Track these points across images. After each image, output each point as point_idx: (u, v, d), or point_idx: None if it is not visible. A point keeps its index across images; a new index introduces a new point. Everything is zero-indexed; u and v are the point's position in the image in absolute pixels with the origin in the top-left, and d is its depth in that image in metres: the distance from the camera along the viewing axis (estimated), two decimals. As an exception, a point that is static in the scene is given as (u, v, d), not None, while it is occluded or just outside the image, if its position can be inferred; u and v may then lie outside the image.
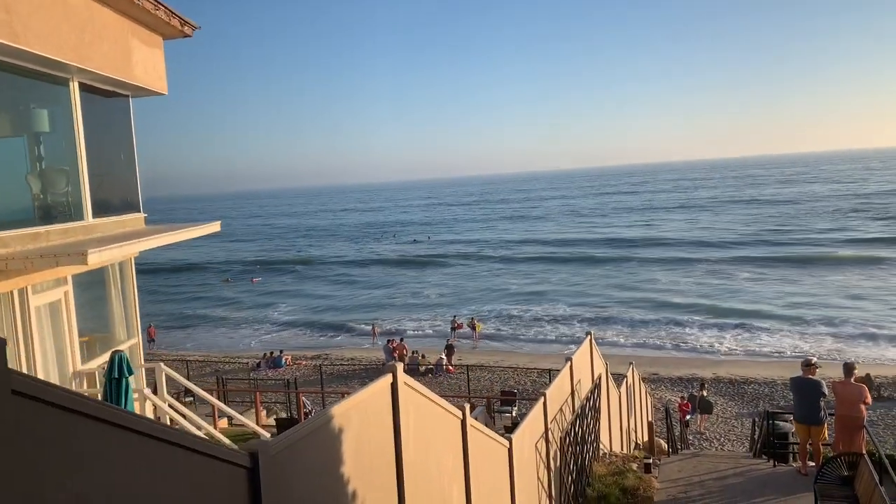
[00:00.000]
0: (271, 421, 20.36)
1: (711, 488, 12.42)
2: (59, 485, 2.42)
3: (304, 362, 37.43)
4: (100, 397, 9.34)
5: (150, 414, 11.01)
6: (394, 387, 4.92)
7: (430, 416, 5.74)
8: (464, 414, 6.35)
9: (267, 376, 34.28)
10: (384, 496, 4.87)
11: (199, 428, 10.89)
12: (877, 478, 9.79)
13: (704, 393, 27.37)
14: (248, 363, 37.95)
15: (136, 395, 10.19)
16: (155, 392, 11.68)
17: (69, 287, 10.43)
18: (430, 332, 45.78)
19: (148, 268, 78.66)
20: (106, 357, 10.33)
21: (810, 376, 12.22)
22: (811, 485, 10.94)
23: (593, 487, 11.59)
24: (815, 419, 12.15)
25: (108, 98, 11.62)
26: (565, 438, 10.23)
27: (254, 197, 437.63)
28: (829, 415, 12.57)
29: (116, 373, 8.76)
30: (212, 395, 21.34)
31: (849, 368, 12.13)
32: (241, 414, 20.38)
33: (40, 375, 9.41)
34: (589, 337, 13.50)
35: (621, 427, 16.44)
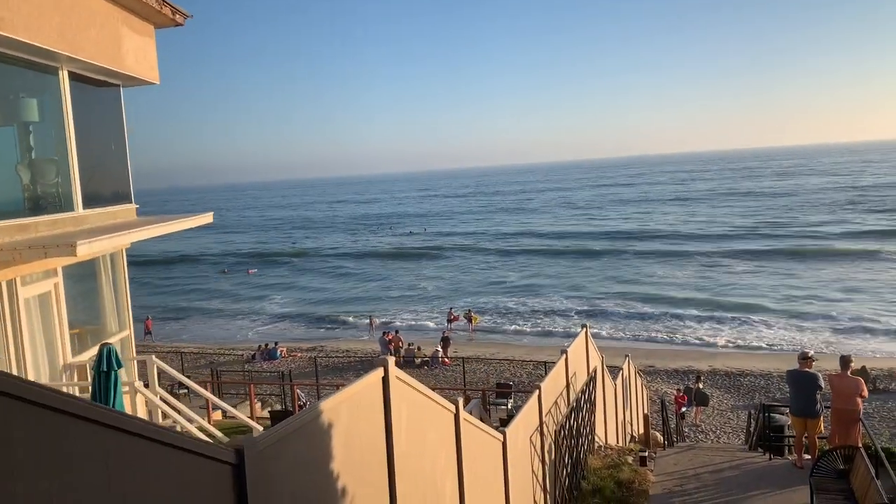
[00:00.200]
0: (266, 413, 20.30)
1: (707, 481, 12.38)
2: (35, 484, 2.33)
3: (299, 354, 37.35)
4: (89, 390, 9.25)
5: (141, 407, 10.92)
6: (385, 381, 4.83)
7: (423, 411, 5.65)
8: (457, 408, 6.27)
9: (262, 368, 34.20)
10: (375, 491, 4.79)
11: (191, 421, 10.80)
12: (873, 471, 9.75)
13: (700, 385, 27.36)
14: (243, 355, 37.87)
15: (126, 389, 10.09)
16: (147, 385, 11.58)
17: (59, 279, 10.31)
18: (427, 324, 45.73)
19: (143, 259, 78.48)
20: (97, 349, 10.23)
21: (807, 369, 12.18)
22: (807, 478, 10.90)
23: (588, 481, 11.54)
24: (811, 412, 12.11)
25: (98, 88, 11.48)
26: (560, 431, 10.16)
27: (248, 189, 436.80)
28: (826, 408, 12.54)
29: (105, 366, 8.65)
30: (206, 387, 21.29)
31: (845, 361, 12.08)
32: (236, 406, 20.35)
33: (30, 368, 9.32)
34: (584, 330, 13.42)
35: (617, 420, 16.40)
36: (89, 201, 10.80)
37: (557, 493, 10.08)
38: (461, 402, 6.35)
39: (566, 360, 11.27)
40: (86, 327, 11.56)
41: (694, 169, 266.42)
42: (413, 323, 46.03)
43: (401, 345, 35.97)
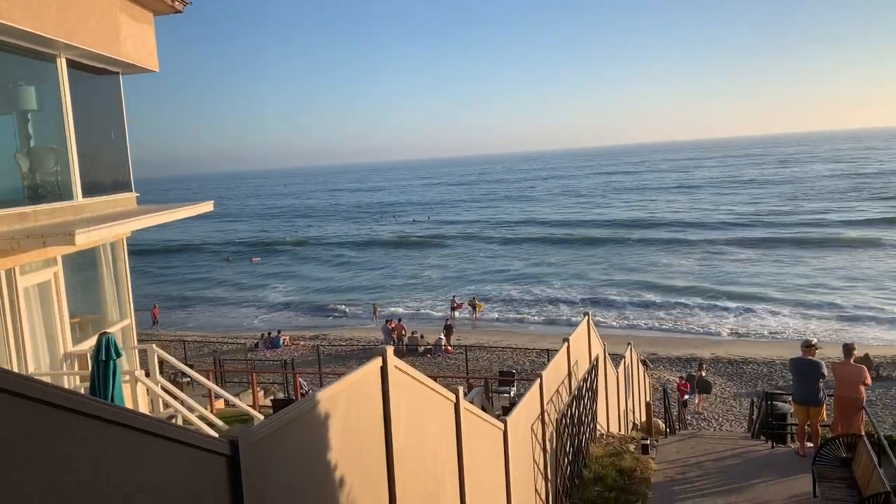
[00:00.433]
0: (268, 402, 20.34)
1: (709, 469, 12.36)
2: (24, 477, 2.29)
3: (302, 343, 37.41)
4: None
5: (142, 397, 10.91)
6: (384, 370, 4.79)
7: (423, 400, 5.61)
8: (457, 397, 6.23)
9: (265, 357, 34.26)
10: (373, 481, 4.76)
11: (192, 410, 10.78)
12: (875, 459, 9.72)
13: (703, 373, 27.35)
14: (246, 343, 37.95)
15: (126, 378, 10.07)
16: (148, 374, 11.56)
17: (59, 268, 10.28)
18: (430, 312, 45.74)
19: (146, 248, 78.57)
20: (98, 338, 10.21)
21: (810, 357, 12.13)
22: (809, 466, 10.88)
23: (590, 469, 11.53)
24: (813, 400, 12.07)
25: (97, 75, 11.40)
26: (562, 420, 10.14)
27: (250, 177, 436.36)
28: (829, 396, 12.50)
29: (104, 355, 8.63)
30: (209, 375, 21.33)
31: (848, 349, 12.03)
32: (239, 394, 20.40)
33: (30, 357, 9.30)
34: (586, 318, 13.38)
35: (619, 408, 16.39)
36: (89, 190, 10.75)
37: (559, 481, 10.06)
38: (461, 390, 6.32)
39: (568, 348, 11.23)
40: (86, 316, 11.54)
41: (696, 156, 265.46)
42: (416, 311, 46.04)
43: (404, 333, 35.99)
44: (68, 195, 10.29)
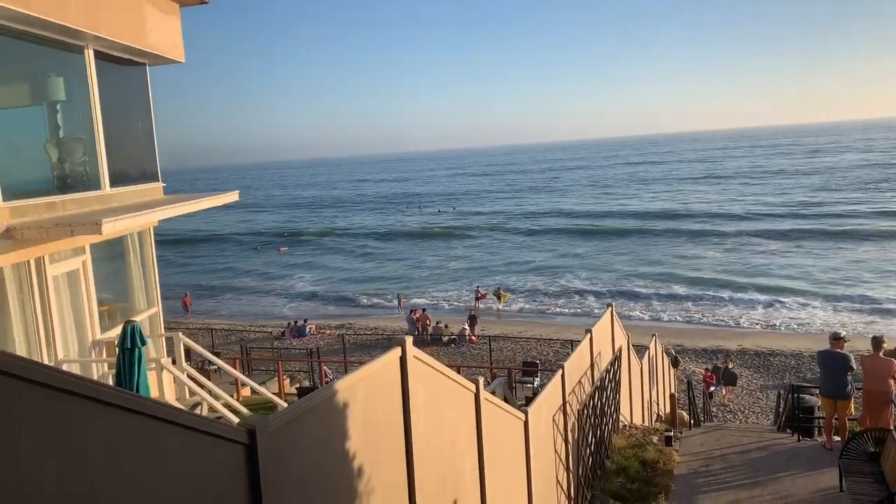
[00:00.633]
0: (294, 390, 20.52)
1: (734, 462, 12.25)
2: (38, 463, 2.33)
3: (327, 331, 37.66)
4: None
5: (168, 384, 11.07)
6: (403, 360, 4.80)
7: (442, 390, 5.62)
8: (477, 387, 6.23)
9: (291, 345, 34.55)
10: (392, 472, 4.78)
11: (217, 398, 10.91)
12: (904, 454, 9.57)
13: (730, 365, 27.08)
14: (272, 332, 38.29)
15: (152, 366, 10.22)
16: (175, 362, 11.72)
17: (87, 256, 10.44)
18: (455, 302, 45.76)
19: (174, 238, 79.50)
20: (126, 326, 10.36)
21: (838, 350, 11.95)
22: (836, 460, 10.74)
23: (612, 460, 11.49)
24: (841, 393, 11.90)
25: (124, 66, 11.53)
26: (584, 411, 10.11)
27: (278, 167, 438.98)
28: (857, 389, 12.31)
29: (129, 343, 8.76)
30: (235, 363, 21.57)
31: (877, 342, 11.83)
32: (265, 382, 20.60)
33: (59, 345, 9.47)
34: (610, 309, 13.30)
35: (643, 399, 16.30)
36: (116, 180, 10.89)
37: (581, 472, 10.04)
38: (482, 381, 6.31)
39: (591, 339, 11.19)
40: (114, 304, 11.72)
41: (725, 146, 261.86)
42: (441, 301, 46.09)
43: (428, 323, 36.08)
44: (96, 185, 10.44)
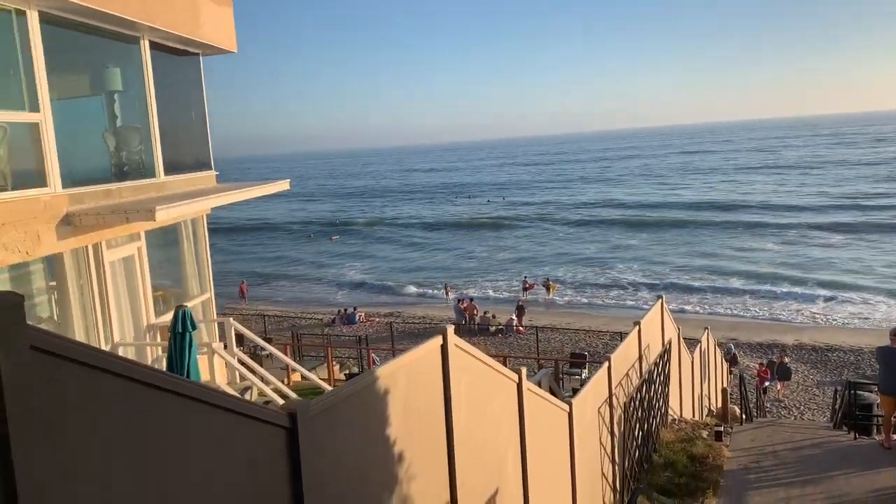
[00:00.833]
0: (343, 376, 20.78)
1: (786, 459, 11.96)
2: (81, 443, 2.40)
3: (377, 319, 38.02)
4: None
5: (220, 369, 11.31)
6: (444, 348, 4.80)
7: (484, 380, 5.61)
8: (520, 378, 6.20)
9: (341, 332, 34.99)
10: (433, 459, 4.79)
11: (267, 383, 11.12)
12: (968, 456, 9.20)
13: (786, 360, 26.42)
14: (323, 319, 38.83)
15: (203, 350, 10.46)
16: (226, 347, 11.97)
17: (142, 243, 10.72)
18: (503, 292, 45.64)
19: (228, 226, 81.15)
20: (179, 311, 10.62)
21: (898, 346, 11.53)
22: (895, 460, 10.39)
23: (660, 454, 11.34)
24: (901, 391, 11.48)
25: (178, 56, 11.77)
26: (630, 403, 9.99)
27: (329, 157, 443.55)
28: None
29: (180, 327, 8.98)
30: (286, 349, 21.94)
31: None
32: (315, 368, 20.90)
33: (115, 328, 9.76)
34: (660, 301, 13.09)
35: (693, 393, 16.02)
36: (170, 168, 11.15)
37: (627, 465, 9.94)
38: (524, 371, 6.28)
39: (639, 331, 11.04)
40: (168, 290, 12.02)
41: (783, 135, 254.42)
42: (489, 291, 46.04)
43: (475, 312, 36.08)
44: (151, 173, 10.71)
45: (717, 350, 21.71)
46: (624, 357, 10.08)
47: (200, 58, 12.41)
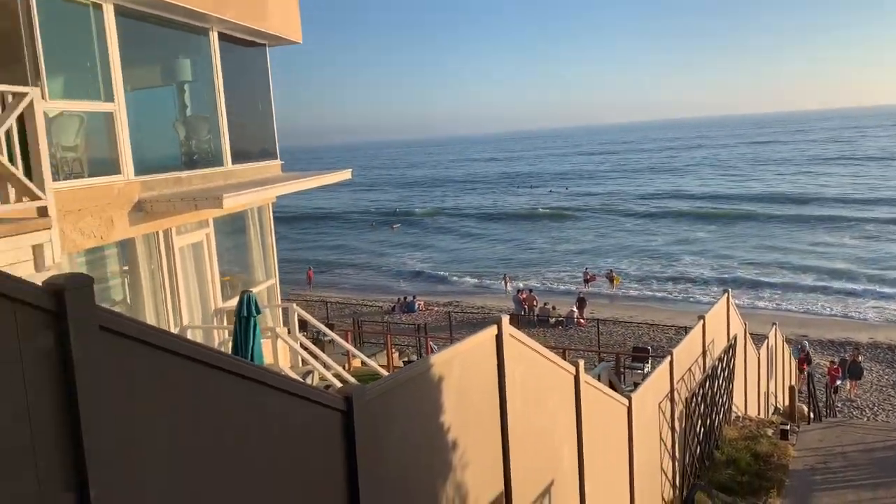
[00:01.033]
0: (401, 363, 21.00)
1: (855, 460, 11.56)
2: (148, 419, 2.51)
3: (436, 308, 38.24)
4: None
5: (283, 353, 11.57)
6: (498, 338, 4.81)
7: (540, 370, 5.59)
8: (577, 370, 6.16)
9: (400, 320, 35.33)
10: (487, 447, 4.82)
11: (329, 368, 11.31)
12: None
13: (859, 358, 25.43)
14: (383, 307, 39.26)
15: (267, 334, 10.71)
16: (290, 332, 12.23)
17: (210, 229, 11.03)
18: (564, 284, 45.22)
19: (294, 215, 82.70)
20: (244, 297, 10.90)
21: (981, 347, 11.00)
22: (974, 466, 9.93)
23: (722, 451, 11.11)
24: (983, 395, 10.96)
25: (245, 47, 12.03)
26: (692, 399, 9.80)
27: (391, 146, 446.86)
28: None
29: (245, 312, 9.22)
30: (347, 335, 22.29)
31: None
32: (375, 355, 21.19)
33: (184, 311, 10.10)
34: (726, 295, 12.79)
35: (758, 390, 15.61)
36: (237, 157, 11.42)
37: (687, 461, 9.77)
38: (581, 364, 6.24)
39: (703, 326, 10.82)
40: (235, 275, 12.35)
41: (861, 125, 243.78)
42: (550, 283, 45.71)
43: (535, 303, 35.89)
44: (219, 162, 11.00)
45: (786, 346, 21.08)
46: (687, 352, 9.90)
47: (267, 49, 12.66)
